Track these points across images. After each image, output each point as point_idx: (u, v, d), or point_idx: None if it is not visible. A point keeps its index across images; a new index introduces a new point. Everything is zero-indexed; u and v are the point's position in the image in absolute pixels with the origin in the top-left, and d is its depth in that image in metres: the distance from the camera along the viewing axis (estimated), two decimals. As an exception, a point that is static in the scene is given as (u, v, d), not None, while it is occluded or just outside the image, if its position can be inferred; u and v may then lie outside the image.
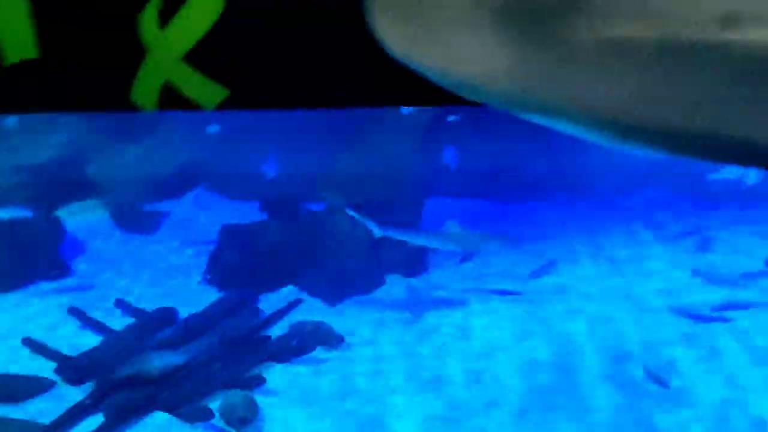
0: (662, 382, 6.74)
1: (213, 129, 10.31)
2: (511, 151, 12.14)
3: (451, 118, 10.51)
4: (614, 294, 8.90)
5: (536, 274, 9.31)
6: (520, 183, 12.19)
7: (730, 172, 10.33)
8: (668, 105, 1.03)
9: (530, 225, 11.23)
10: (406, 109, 9.59)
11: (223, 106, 2.39)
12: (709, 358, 7.41)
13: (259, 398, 6.78)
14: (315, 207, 9.95)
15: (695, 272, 9.25)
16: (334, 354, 7.73)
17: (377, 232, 8.36)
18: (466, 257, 7.70)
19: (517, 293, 8.82)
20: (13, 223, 9.12)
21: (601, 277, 9.37)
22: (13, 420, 6.45)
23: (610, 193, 12.17)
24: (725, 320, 8.04)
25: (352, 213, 8.43)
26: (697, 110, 1.01)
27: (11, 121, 10.57)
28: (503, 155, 12.13)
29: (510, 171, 12.18)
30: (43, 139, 11.29)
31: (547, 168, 12.19)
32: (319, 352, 7.65)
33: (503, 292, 8.86)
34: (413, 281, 9.56)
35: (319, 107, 2.33)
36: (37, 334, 7.92)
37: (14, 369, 7.34)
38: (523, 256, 9.54)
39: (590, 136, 1.13)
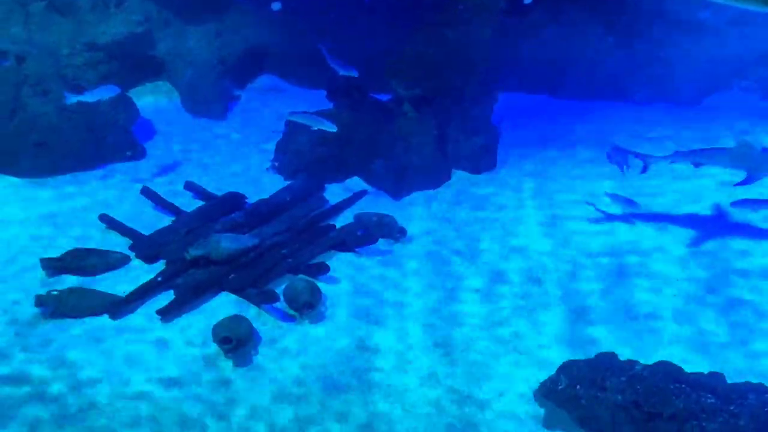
0: None
1: (276, 6, 9.94)
2: (587, 43, 11.49)
3: (527, 0, 9.86)
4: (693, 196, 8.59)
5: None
6: (596, 78, 11.60)
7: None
8: None
9: (606, 124, 10.79)
10: None
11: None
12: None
13: (322, 285, 6.90)
14: (382, 96, 9.73)
15: None
16: (396, 246, 7.76)
17: (651, 160, 7.55)
18: (750, 179, 6.86)
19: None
20: (87, 103, 9.25)
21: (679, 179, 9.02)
22: (90, 290, 6.78)
23: (692, 92, 11.48)
24: None
25: (615, 145, 7.67)
26: None
27: None
28: (579, 46, 11.49)
29: (586, 65, 11.57)
30: (114, 16, 11.26)
31: (626, 63, 11.52)
32: (381, 244, 7.69)
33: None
34: (479, 177, 9.40)
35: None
36: (112, 212, 8.19)
37: (91, 244, 7.66)
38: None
39: None
